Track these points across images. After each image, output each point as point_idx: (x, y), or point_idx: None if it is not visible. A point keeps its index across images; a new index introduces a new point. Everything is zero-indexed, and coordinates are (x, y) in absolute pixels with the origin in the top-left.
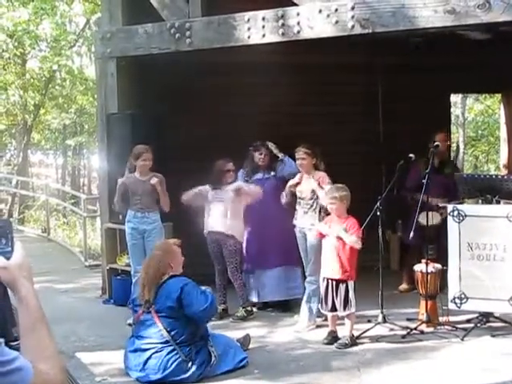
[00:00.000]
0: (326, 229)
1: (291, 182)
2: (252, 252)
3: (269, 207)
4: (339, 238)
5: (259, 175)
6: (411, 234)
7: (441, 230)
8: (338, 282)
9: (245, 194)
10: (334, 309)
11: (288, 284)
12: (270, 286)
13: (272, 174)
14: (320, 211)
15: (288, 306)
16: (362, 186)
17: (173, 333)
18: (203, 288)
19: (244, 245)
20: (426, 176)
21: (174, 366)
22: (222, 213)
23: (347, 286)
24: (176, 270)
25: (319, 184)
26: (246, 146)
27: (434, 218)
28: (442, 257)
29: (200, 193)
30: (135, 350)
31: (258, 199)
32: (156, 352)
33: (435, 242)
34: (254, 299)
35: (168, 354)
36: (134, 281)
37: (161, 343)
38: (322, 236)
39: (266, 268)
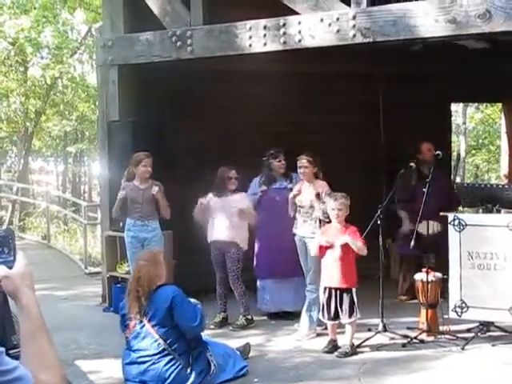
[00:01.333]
0: (330, 239)
1: (292, 194)
2: (263, 261)
3: (283, 217)
4: (343, 247)
5: (277, 184)
6: (412, 244)
7: (440, 238)
8: (343, 291)
9: (244, 216)
10: (335, 317)
11: (299, 295)
12: (282, 296)
13: (288, 183)
14: (320, 220)
15: (289, 315)
16: (363, 195)
17: (169, 341)
18: (192, 301)
19: (256, 253)
20: (427, 185)
21: (173, 376)
22: (225, 222)
23: (352, 294)
24: (163, 279)
25: (318, 195)
26: (247, 154)
27: (434, 227)
28: (442, 266)
29: (204, 206)
30: (132, 363)
31: (268, 211)
32: (153, 364)
33: (434, 251)
34: (271, 309)
35: (165, 364)
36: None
37: (157, 354)
38: (322, 251)
39: (277, 278)
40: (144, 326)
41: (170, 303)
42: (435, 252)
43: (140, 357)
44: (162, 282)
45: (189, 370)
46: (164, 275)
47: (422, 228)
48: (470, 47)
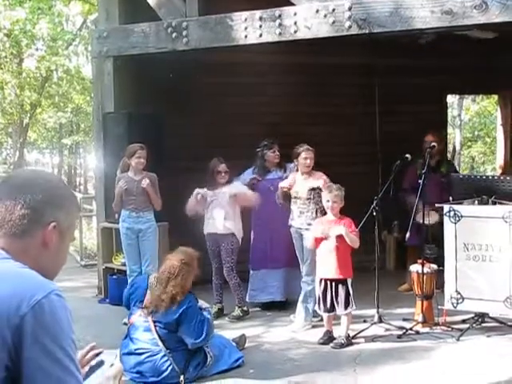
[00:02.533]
0: (326, 230)
1: (283, 184)
2: (258, 251)
3: (277, 207)
4: (338, 238)
5: (271, 175)
6: (407, 235)
7: (441, 228)
8: (338, 282)
9: (241, 200)
10: (331, 309)
11: (290, 285)
12: (273, 286)
13: (283, 173)
14: (316, 211)
15: (285, 306)
16: (359, 187)
17: (167, 342)
18: (204, 307)
19: (251, 243)
20: (423, 176)
21: (169, 369)
22: (220, 215)
23: (347, 286)
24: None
25: (319, 188)
26: (243, 146)
27: (433, 217)
28: (442, 256)
29: (201, 197)
30: (129, 353)
31: (262, 202)
32: (150, 356)
33: (435, 242)
34: (258, 298)
35: (162, 357)
36: (130, 280)
37: (155, 348)
38: (317, 242)
39: (270, 268)
40: (147, 321)
41: (178, 315)
42: (437, 243)
43: (138, 348)
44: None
45: (181, 378)
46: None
47: (420, 218)
48: (475, 37)
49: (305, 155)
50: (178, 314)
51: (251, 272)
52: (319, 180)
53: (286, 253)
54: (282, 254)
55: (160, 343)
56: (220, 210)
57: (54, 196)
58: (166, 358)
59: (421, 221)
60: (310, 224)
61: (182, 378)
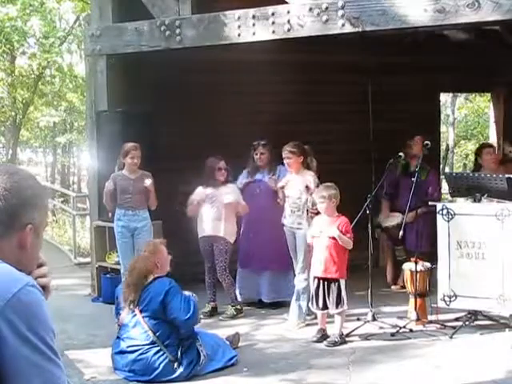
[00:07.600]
0: (318, 233)
1: (280, 184)
2: (244, 252)
3: (264, 209)
4: (331, 238)
5: (259, 176)
6: (400, 233)
7: (406, 231)
8: (330, 281)
9: (233, 208)
10: (324, 307)
11: (276, 287)
12: (259, 287)
13: (271, 176)
14: (307, 211)
15: (278, 304)
16: (352, 185)
17: (158, 333)
18: (187, 294)
19: (239, 243)
20: (416, 176)
21: (162, 366)
22: (214, 216)
23: (339, 285)
24: (163, 269)
25: (307, 187)
26: (237, 145)
27: (395, 219)
28: (409, 258)
29: (197, 202)
30: (121, 352)
31: (250, 203)
32: (142, 354)
33: (402, 244)
34: (239, 298)
35: (154, 354)
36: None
37: (146, 344)
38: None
39: (256, 270)
40: (135, 315)
41: (163, 296)
42: (402, 244)
43: (129, 346)
44: (162, 272)
45: (176, 365)
46: (164, 264)
47: (384, 221)
48: (454, 39)
49: (283, 155)
50: (162, 295)
51: (238, 270)
52: (308, 179)
53: (273, 255)
54: (269, 256)
55: (151, 334)
56: (213, 210)
57: (28, 197)
58: (158, 355)
59: (384, 224)
60: (300, 223)
61: (175, 365)
